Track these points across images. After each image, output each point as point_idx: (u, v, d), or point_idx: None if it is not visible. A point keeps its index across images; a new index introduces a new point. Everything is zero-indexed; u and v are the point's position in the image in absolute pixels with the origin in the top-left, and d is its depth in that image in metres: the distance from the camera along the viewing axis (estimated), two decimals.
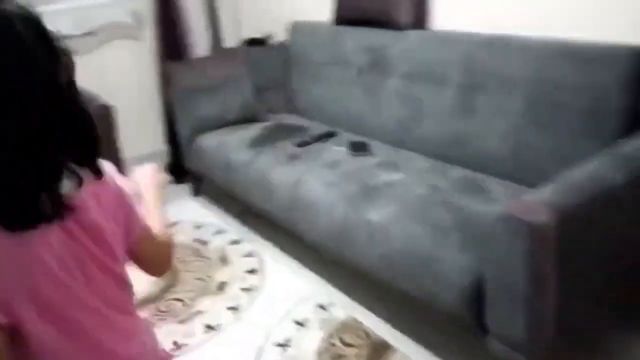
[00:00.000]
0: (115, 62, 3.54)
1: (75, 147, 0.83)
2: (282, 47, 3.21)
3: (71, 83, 0.83)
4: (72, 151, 0.82)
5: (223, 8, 3.67)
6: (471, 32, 2.34)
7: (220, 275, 2.50)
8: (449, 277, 1.66)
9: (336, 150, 2.50)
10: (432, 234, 1.77)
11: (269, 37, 3.42)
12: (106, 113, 2.83)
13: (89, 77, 3.28)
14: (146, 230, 1.01)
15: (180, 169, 3.33)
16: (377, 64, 2.64)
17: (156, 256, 1.08)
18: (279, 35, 3.35)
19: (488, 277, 1.55)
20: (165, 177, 1.29)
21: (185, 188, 3.32)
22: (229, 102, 2.96)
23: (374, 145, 2.55)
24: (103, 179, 0.88)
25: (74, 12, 3.32)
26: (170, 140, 3.51)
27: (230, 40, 3.68)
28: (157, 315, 2.26)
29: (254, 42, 3.39)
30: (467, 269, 1.63)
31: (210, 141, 2.86)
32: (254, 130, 2.85)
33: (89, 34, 3.40)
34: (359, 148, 2.49)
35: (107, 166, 0.92)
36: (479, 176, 2.17)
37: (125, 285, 0.96)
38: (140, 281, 2.52)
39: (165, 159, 3.54)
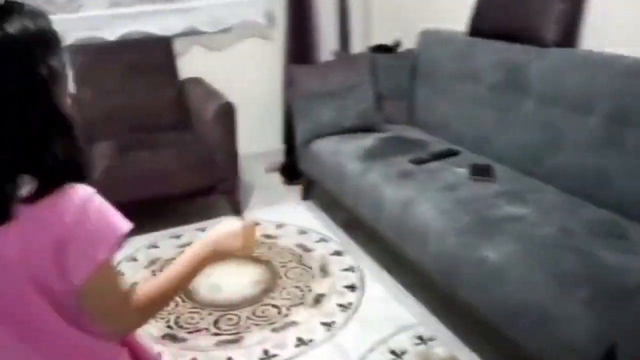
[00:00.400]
0: (244, 60, 3.62)
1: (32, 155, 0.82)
2: (410, 55, 3.07)
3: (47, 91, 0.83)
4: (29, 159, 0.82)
5: (354, 13, 3.60)
6: (627, 55, 2.04)
7: (319, 286, 2.43)
8: (570, 339, 1.44)
9: (455, 171, 2.32)
10: (555, 285, 1.55)
11: (397, 44, 3.29)
12: (227, 110, 2.88)
13: (218, 73, 3.44)
14: (96, 278, 0.85)
15: (294, 170, 3.32)
16: (513, 83, 2.41)
17: (105, 312, 0.90)
18: (409, 42, 3.21)
19: (622, 347, 1.31)
20: (248, 246, 1.08)
21: (296, 190, 3.30)
22: (347, 109, 2.88)
23: (498, 170, 2.33)
24: (37, 201, 0.81)
25: (211, 9, 3.43)
26: (287, 140, 3.52)
27: (359, 45, 3.60)
28: (251, 319, 2.23)
29: (380, 49, 3.28)
30: (595, 334, 1.40)
31: (325, 147, 2.80)
32: (370, 140, 2.74)
33: (222, 31, 3.50)
34: (481, 172, 2.29)
35: (80, 192, 0.85)
36: (620, 220, 1.88)
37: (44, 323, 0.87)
38: (240, 281, 2.53)
39: (280, 158, 3.55)
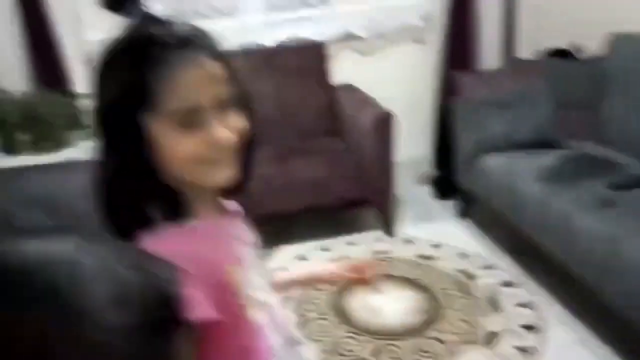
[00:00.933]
0: (395, 65, 3.42)
1: None
2: (595, 61, 2.68)
3: None
4: None
5: (523, 14, 3.26)
6: None
7: (490, 323, 2.16)
8: None
9: None
10: None
11: (576, 48, 2.91)
12: (385, 120, 2.70)
13: (368, 77, 3.26)
14: None
15: (449, 184, 3.06)
16: None
17: None
18: (589, 47, 2.82)
19: None
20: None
21: (450, 206, 3.04)
22: (520, 121, 2.57)
23: None
24: None
25: (366, 13, 3.28)
26: (439, 151, 3.27)
27: (525, 50, 3.26)
28: (416, 354, 2.02)
29: (556, 54, 2.92)
30: None
31: (495, 163, 2.52)
32: (549, 158, 2.41)
33: (376, 35, 3.33)
34: None
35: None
36: None
37: None
38: (399, 306, 2.33)
39: (429, 169, 3.31)
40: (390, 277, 2.49)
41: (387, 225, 2.88)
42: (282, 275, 0.96)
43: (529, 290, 2.32)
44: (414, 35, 3.40)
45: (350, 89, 3.13)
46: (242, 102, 0.74)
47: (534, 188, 2.24)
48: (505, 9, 3.24)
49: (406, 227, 2.91)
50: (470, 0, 3.16)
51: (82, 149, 2.51)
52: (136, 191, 0.71)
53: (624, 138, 2.46)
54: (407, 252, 2.68)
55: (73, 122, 2.51)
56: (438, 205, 3.14)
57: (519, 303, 2.25)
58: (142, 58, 0.67)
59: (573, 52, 2.90)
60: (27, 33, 2.75)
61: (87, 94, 2.96)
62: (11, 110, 2.36)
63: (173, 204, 0.71)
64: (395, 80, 3.42)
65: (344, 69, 3.29)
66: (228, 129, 0.70)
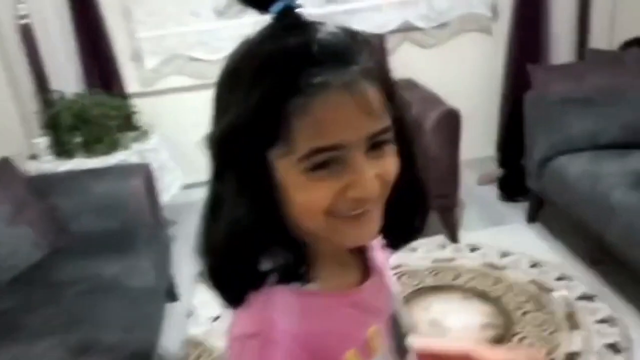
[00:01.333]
0: (460, 57, 3.22)
1: None
2: None
3: None
4: None
5: (598, 1, 2.98)
6: None
7: (569, 341, 1.96)
8: None
9: None
10: None
11: None
12: (452, 119, 2.52)
13: (433, 70, 3.07)
14: None
15: (516, 185, 2.85)
16: None
17: None
18: None
19: None
20: None
21: (517, 209, 2.83)
22: (606, 119, 2.34)
23: None
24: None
25: (428, 3, 3.08)
26: (505, 149, 3.05)
27: (599, 41, 2.98)
28: None
29: (636, 44, 2.65)
30: None
31: (575, 166, 2.29)
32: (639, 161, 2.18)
33: (438, 26, 3.13)
34: None
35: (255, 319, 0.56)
36: None
37: None
38: (465, 320, 2.15)
39: (493, 168, 3.10)
40: (455, 288, 2.32)
41: (450, 231, 2.69)
42: (417, 343, 0.76)
43: (612, 305, 2.10)
44: (480, 25, 3.18)
45: (411, 84, 2.95)
46: (401, 131, 0.58)
47: (625, 196, 2.01)
48: None
49: (471, 232, 2.72)
50: None
51: (134, 152, 2.46)
52: (255, 245, 0.56)
53: None
54: (473, 261, 2.50)
55: (124, 123, 2.45)
56: (504, 208, 2.94)
57: (601, 319, 2.04)
58: (280, 78, 0.51)
59: None
60: (78, 33, 2.71)
61: (137, 94, 2.92)
62: (64, 112, 2.32)
63: (294, 259, 0.56)
64: (457, 74, 3.22)
65: (403, 63, 3.11)
66: (376, 171, 0.54)
